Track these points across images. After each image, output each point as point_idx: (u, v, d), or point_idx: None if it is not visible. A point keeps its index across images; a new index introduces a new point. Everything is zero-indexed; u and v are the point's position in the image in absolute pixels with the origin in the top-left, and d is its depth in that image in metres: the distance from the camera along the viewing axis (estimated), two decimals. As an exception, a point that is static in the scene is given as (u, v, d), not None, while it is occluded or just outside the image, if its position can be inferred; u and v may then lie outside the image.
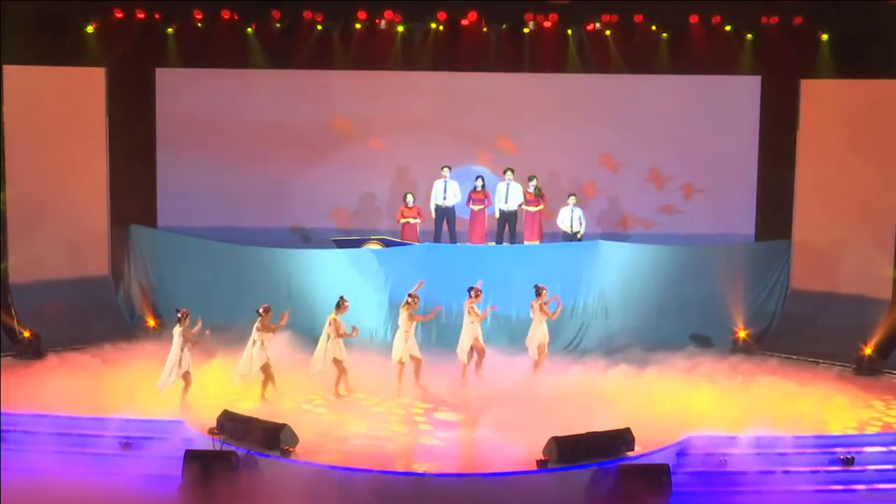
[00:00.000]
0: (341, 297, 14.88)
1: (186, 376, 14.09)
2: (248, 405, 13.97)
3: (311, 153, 19.38)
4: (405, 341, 14.93)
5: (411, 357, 15.01)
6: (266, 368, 14.41)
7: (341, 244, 17.89)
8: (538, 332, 15.48)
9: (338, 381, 14.81)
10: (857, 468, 12.79)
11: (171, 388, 14.06)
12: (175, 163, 19.27)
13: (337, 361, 14.74)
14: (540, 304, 15.43)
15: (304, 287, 17.38)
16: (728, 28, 19.06)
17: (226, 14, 18.96)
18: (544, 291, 15.52)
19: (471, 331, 15.30)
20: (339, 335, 14.67)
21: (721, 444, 12.92)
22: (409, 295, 15.08)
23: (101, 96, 18.03)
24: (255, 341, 14.33)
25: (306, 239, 19.13)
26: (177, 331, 14.08)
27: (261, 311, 14.39)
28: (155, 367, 15.28)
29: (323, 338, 14.74)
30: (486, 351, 15.45)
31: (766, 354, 17.43)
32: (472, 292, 15.35)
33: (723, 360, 16.62)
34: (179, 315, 14.10)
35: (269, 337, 14.40)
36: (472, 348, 15.34)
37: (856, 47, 18.00)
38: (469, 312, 15.29)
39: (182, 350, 13.99)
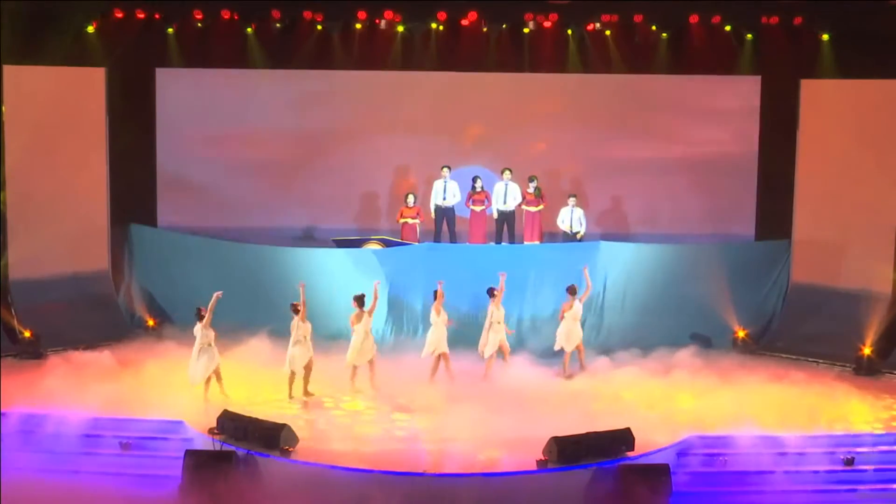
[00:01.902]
0: (363, 294, 15.05)
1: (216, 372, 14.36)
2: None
3: (310, 153, 19.37)
4: (437, 335, 15.19)
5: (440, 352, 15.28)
6: (308, 365, 14.65)
7: (341, 244, 17.88)
8: (575, 331, 15.77)
9: (353, 377, 15.00)
10: (857, 468, 12.80)
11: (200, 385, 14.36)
12: (175, 163, 19.25)
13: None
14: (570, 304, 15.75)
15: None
16: (728, 28, 19.09)
17: (226, 14, 18.96)
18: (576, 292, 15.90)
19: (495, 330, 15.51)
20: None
21: (721, 444, 12.92)
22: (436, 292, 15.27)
23: (101, 96, 18.01)
24: (296, 341, 14.53)
25: (308, 238, 19.16)
26: (198, 328, 14.25)
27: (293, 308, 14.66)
28: (154, 367, 15.38)
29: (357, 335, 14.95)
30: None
31: (765, 354, 17.44)
32: (496, 291, 15.49)
33: (722, 359, 16.60)
34: (201, 313, 14.30)
35: (307, 331, 14.54)
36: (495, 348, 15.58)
37: (856, 47, 17.99)
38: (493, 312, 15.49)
39: (208, 347, 14.18)
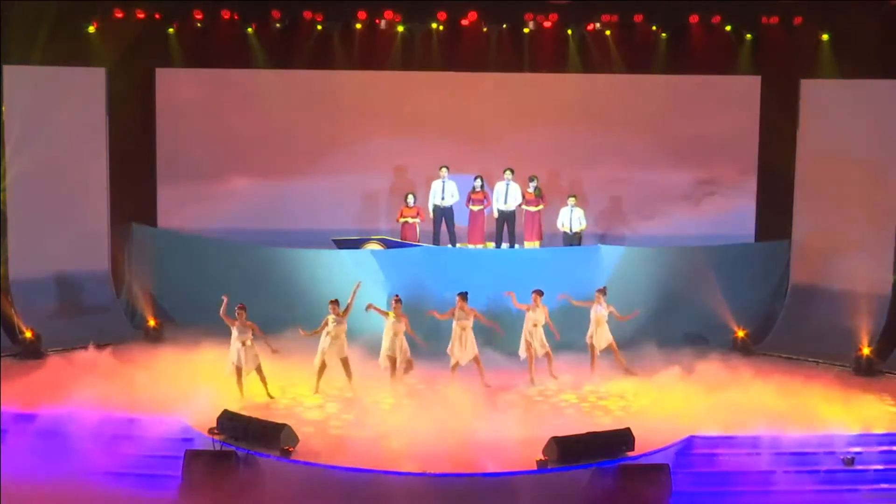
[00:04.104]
0: (397, 296, 15.24)
1: (258, 370, 14.58)
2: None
3: (310, 153, 19.36)
4: (467, 339, 15.31)
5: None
6: (346, 361, 14.90)
7: (341, 244, 17.87)
8: (603, 333, 15.94)
9: (402, 372, 15.13)
10: (857, 468, 12.82)
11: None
12: (175, 162, 19.26)
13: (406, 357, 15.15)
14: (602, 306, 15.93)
15: (305, 287, 17.36)
16: (728, 28, 19.10)
17: (226, 14, 18.98)
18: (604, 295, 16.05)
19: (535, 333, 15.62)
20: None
21: (721, 444, 12.94)
22: (460, 294, 15.30)
23: (101, 96, 18.02)
24: (328, 334, 14.69)
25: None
26: (236, 329, 14.41)
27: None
28: (155, 367, 15.39)
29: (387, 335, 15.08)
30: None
31: (765, 354, 17.45)
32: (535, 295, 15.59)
33: (722, 359, 16.57)
34: (236, 311, 14.48)
35: (342, 329, 14.72)
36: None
37: (856, 47, 18.01)
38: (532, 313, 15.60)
39: (243, 345, 14.33)
